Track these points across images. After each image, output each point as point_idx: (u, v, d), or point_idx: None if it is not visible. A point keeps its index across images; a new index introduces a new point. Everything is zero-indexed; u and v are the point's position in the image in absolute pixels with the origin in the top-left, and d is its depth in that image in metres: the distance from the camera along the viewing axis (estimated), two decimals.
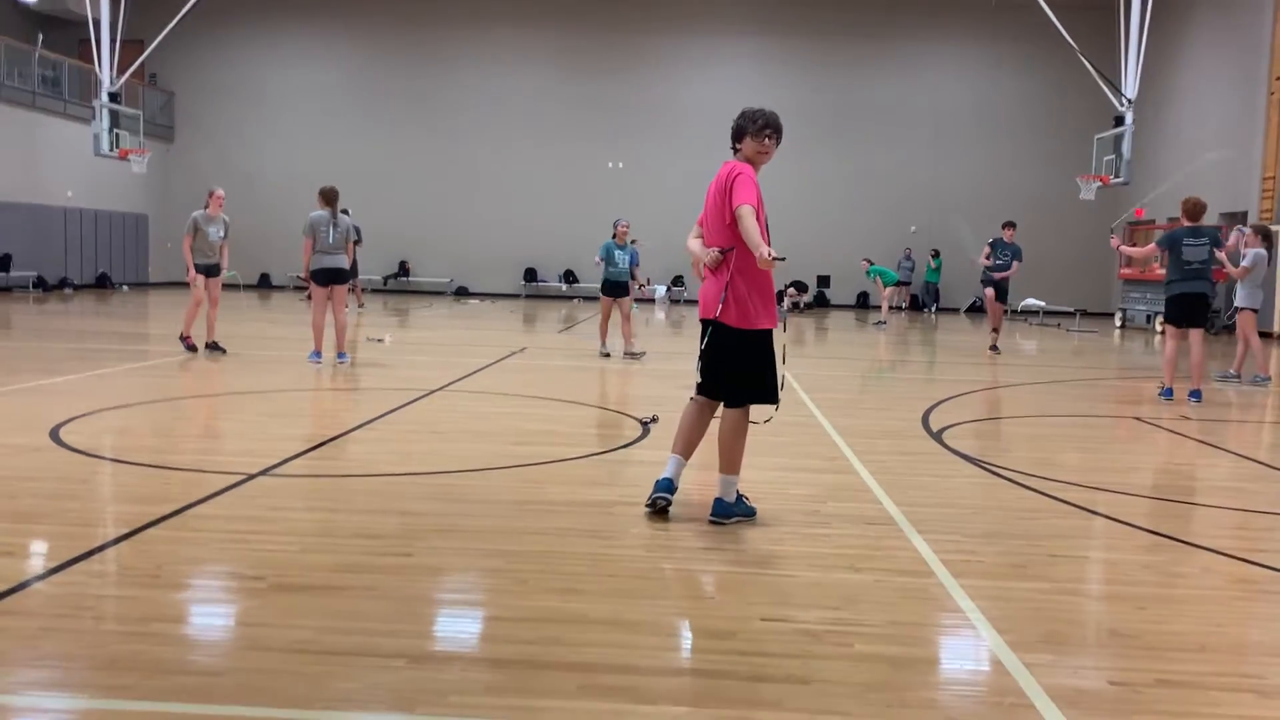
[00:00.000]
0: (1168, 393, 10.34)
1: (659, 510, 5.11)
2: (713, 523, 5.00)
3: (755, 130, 5.06)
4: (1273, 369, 15.16)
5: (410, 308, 24.41)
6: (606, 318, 13.51)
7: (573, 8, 30.52)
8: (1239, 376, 12.39)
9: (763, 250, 4.61)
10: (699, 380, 5.19)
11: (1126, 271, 25.30)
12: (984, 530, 5.08)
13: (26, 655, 3.25)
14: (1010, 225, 15.67)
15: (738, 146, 5.12)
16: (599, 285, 13.49)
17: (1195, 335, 10.41)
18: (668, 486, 5.09)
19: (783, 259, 4.70)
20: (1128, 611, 3.99)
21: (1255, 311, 12.46)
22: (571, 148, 30.76)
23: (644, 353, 13.06)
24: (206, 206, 11.93)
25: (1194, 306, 10.25)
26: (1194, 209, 10.37)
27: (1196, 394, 10.25)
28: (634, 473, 6.26)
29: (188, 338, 12.05)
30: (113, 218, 28.64)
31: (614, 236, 13.09)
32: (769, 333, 5.05)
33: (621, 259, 13.04)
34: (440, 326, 19.25)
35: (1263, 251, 12.37)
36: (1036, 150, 29.77)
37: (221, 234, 11.99)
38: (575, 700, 3.03)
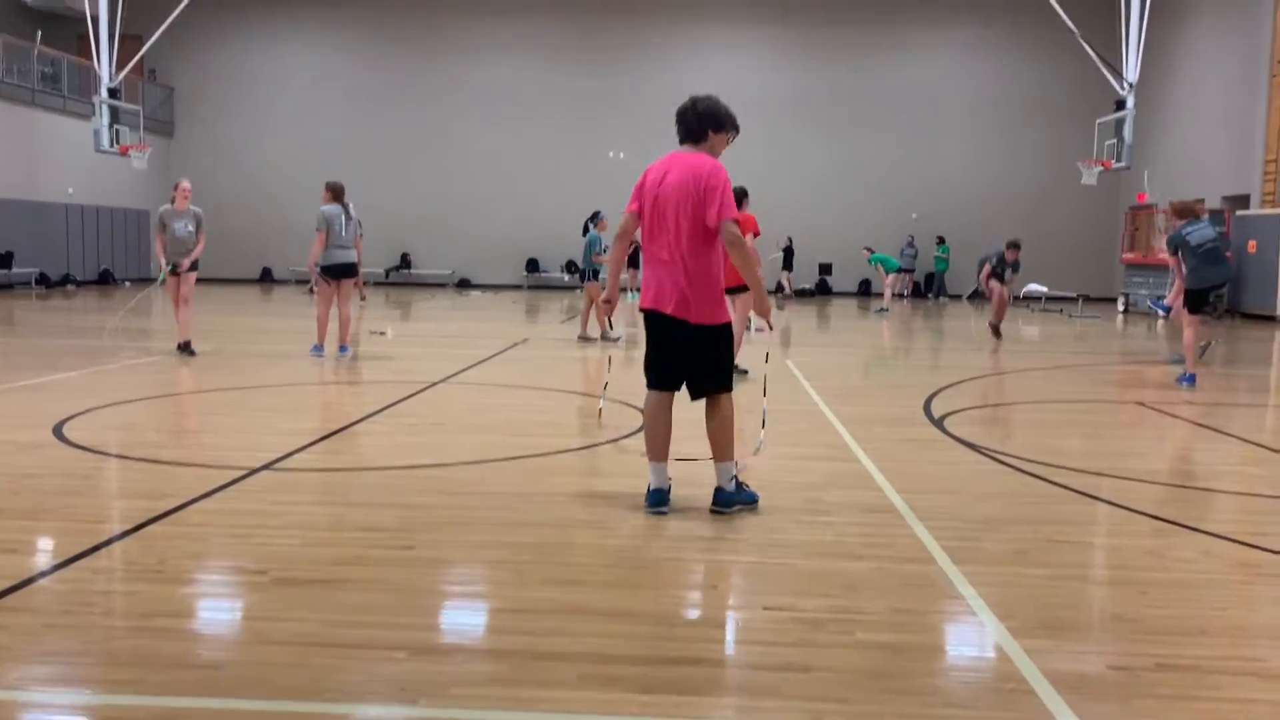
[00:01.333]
0: (1189, 379, 10.20)
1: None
2: (715, 512, 4.99)
3: (732, 127, 5.05)
4: (1276, 351, 15.14)
5: (412, 300, 24.42)
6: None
7: None
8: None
9: (767, 308, 5.05)
10: (657, 374, 5.04)
11: (1129, 256, 25.27)
12: (985, 517, 5.08)
13: (32, 651, 3.27)
14: (1014, 246, 14.90)
15: (704, 138, 4.98)
16: (594, 274, 13.88)
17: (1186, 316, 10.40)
18: (662, 499, 5.01)
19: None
20: (1129, 596, 4.00)
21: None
22: (573, 139, 30.71)
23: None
24: (173, 201, 11.21)
25: (1213, 293, 10.44)
26: (1181, 210, 10.64)
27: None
28: (634, 463, 6.26)
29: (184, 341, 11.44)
30: (114, 214, 28.64)
31: (600, 228, 13.81)
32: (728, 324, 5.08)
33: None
34: (442, 319, 19.26)
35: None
36: (1038, 135, 29.68)
37: (192, 228, 11.13)
38: (576, 690, 3.04)
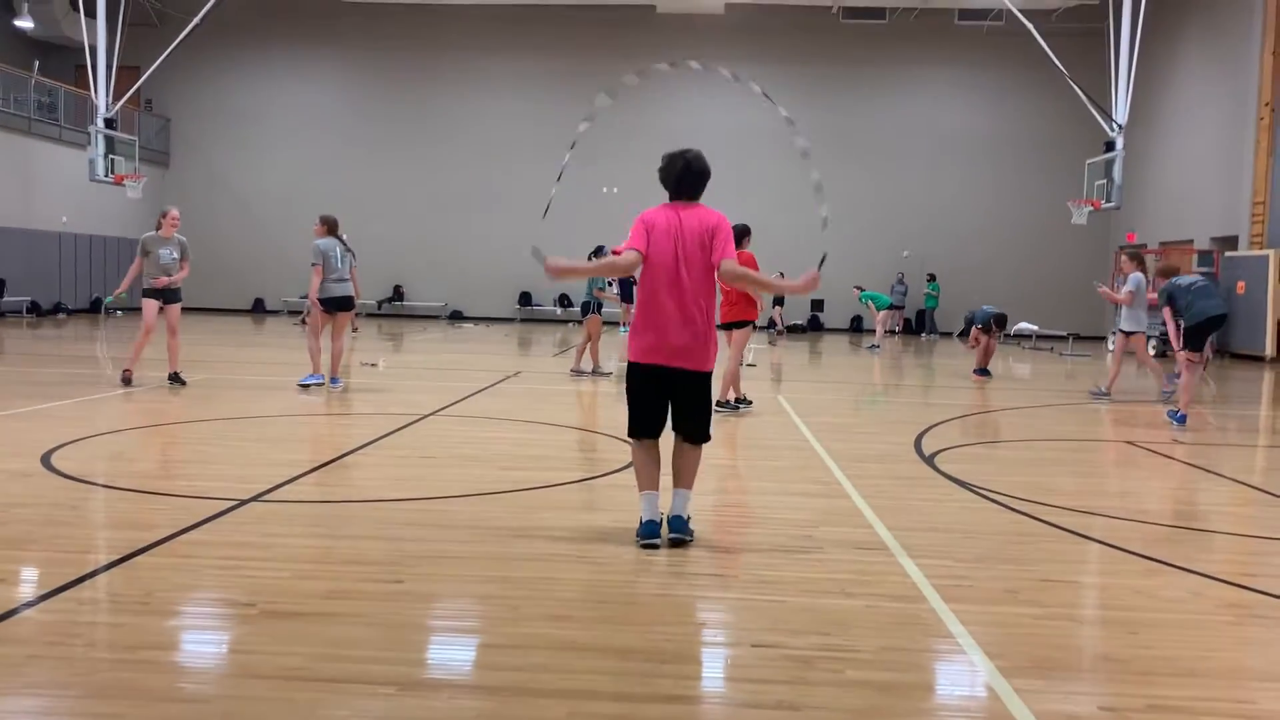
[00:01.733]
0: (1181, 417, 10.18)
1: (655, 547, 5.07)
2: (677, 540, 5.02)
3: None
4: (1265, 391, 15.21)
5: (404, 332, 24.41)
6: (598, 339, 14.17)
7: (567, 33, 30.71)
8: (1108, 394, 12.84)
9: (797, 286, 5.13)
10: (649, 427, 5.16)
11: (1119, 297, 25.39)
12: (976, 555, 5.08)
13: (15, 683, 3.24)
14: (1001, 322, 15.63)
15: (701, 194, 5.22)
16: (592, 308, 13.93)
17: (1183, 356, 10.43)
18: (654, 530, 5.04)
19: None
20: (1119, 636, 4.00)
21: (1144, 335, 12.96)
22: (566, 173, 30.82)
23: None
24: (159, 228, 11.05)
25: (1212, 329, 10.53)
26: (1166, 271, 11.11)
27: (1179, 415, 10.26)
28: (626, 498, 6.25)
29: (129, 371, 11.17)
30: (107, 242, 28.64)
31: None
32: None
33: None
34: (434, 350, 19.25)
35: (1140, 275, 12.83)
36: (1028, 174, 29.95)
37: (176, 255, 11.02)
38: None
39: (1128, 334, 12.89)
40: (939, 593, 4.40)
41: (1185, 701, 3.34)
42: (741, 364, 10.61)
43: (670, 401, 5.14)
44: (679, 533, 5.07)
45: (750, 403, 10.56)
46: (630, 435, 5.23)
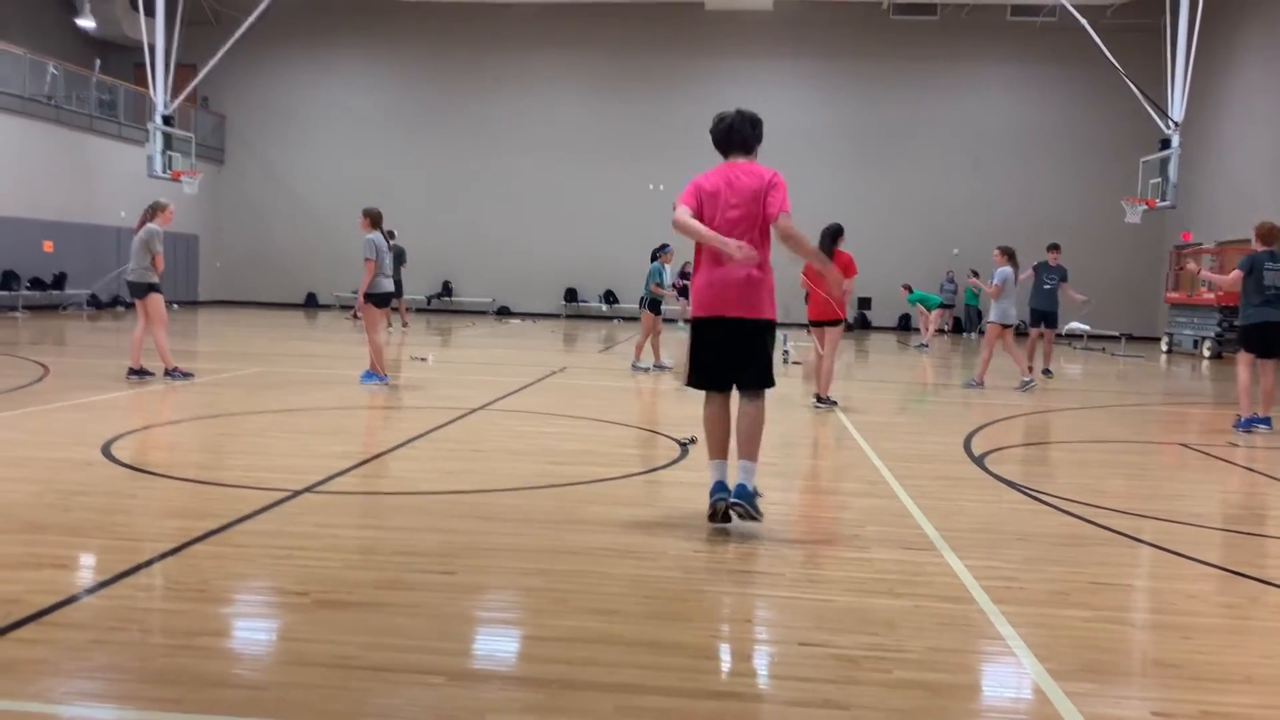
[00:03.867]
0: (1245, 424, 9.90)
1: (723, 516, 5.24)
2: (734, 504, 5.16)
3: None
4: None
5: (453, 327, 24.62)
6: (659, 334, 14.43)
7: (614, 31, 30.76)
8: (981, 384, 13.33)
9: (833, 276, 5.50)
10: (714, 377, 5.35)
11: (1173, 295, 24.95)
12: (1025, 557, 5.03)
13: (77, 666, 3.33)
14: (1054, 248, 15.53)
15: (754, 149, 5.37)
16: (646, 304, 14.04)
17: (1269, 365, 9.98)
18: (723, 488, 5.25)
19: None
20: (1172, 641, 3.94)
21: (1006, 326, 13.42)
22: (613, 169, 30.95)
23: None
24: (152, 219, 11.09)
25: (1275, 336, 9.89)
26: (1269, 233, 10.03)
27: (1267, 421, 9.92)
28: (672, 494, 6.28)
29: (177, 368, 11.14)
30: (163, 237, 29.15)
31: (665, 260, 14.08)
32: None
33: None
34: (482, 346, 19.40)
35: (1008, 270, 13.25)
36: (1080, 173, 29.51)
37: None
38: None
39: (993, 323, 13.49)
40: (988, 594, 4.36)
41: (1240, 709, 3.29)
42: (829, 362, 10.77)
43: (731, 353, 5.27)
44: (742, 501, 5.16)
45: (835, 403, 10.66)
46: (691, 384, 5.40)
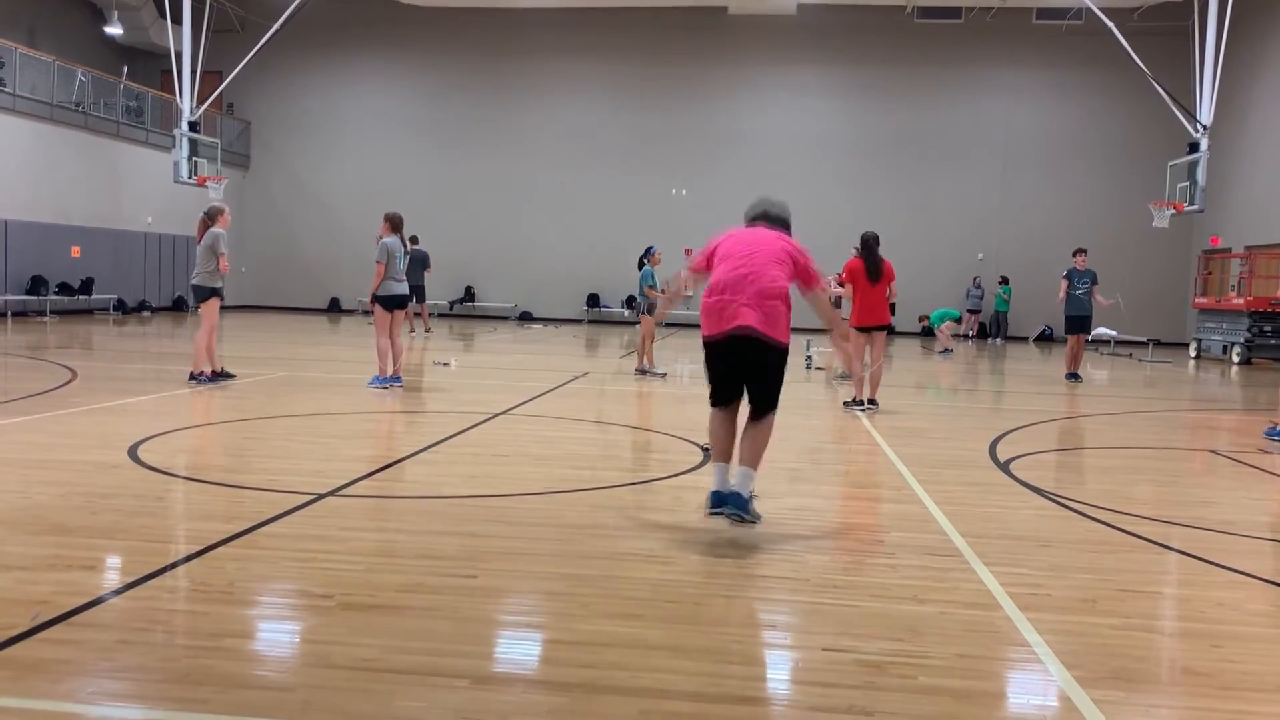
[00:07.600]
0: (1275, 432, 9.70)
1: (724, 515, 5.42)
2: (731, 515, 5.34)
3: None
4: None
5: (475, 332, 24.69)
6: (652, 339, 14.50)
7: (636, 36, 30.79)
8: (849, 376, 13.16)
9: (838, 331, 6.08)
10: (726, 394, 5.54)
11: (1202, 301, 24.72)
12: (1052, 563, 4.99)
13: (104, 667, 3.35)
14: (1081, 252, 15.60)
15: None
16: (642, 308, 14.16)
17: None
18: (721, 501, 5.40)
19: None
20: (1201, 649, 3.89)
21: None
22: (635, 175, 30.97)
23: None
24: (214, 223, 11.20)
25: None
26: None
27: None
28: (694, 499, 6.26)
29: (219, 369, 11.52)
30: (189, 242, 29.37)
31: (653, 262, 14.03)
32: None
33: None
34: (504, 350, 19.44)
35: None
36: (1107, 177, 29.26)
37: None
38: None
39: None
40: (1014, 600, 4.33)
41: (1271, 717, 3.25)
42: (866, 367, 10.94)
43: (741, 368, 5.46)
44: (736, 509, 5.35)
45: (875, 404, 10.92)
46: (713, 405, 5.60)
